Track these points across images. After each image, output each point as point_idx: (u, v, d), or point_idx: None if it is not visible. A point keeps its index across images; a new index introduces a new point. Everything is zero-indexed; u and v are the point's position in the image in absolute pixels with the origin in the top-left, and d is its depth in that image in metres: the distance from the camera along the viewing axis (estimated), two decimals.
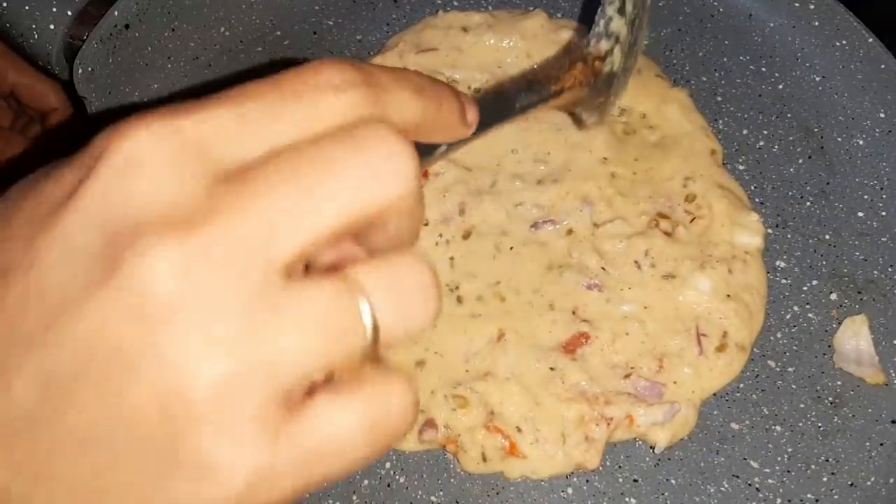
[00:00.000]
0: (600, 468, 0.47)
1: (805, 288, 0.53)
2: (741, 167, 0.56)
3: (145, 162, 0.20)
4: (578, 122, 0.52)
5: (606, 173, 0.53)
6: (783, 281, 0.53)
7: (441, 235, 0.52)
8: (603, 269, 0.51)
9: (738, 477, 0.48)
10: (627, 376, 0.48)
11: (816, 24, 0.59)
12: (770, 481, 0.48)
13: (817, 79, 0.59)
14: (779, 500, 0.47)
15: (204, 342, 0.19)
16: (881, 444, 0.49)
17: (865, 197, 0.56)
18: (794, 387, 0.50)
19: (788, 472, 0.48)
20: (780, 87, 0.59)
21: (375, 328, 0.21)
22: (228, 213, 0.20)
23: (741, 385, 0.50)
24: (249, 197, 0.20)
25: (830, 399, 0.50)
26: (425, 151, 0.29)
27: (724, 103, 0.58)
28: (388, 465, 0.47)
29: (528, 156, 0.54)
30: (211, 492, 0.19)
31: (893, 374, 0.50)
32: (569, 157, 0.54)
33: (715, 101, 0.58)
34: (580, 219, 0.52)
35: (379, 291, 0.21)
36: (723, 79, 0.59)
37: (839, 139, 0.57)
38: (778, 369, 0.51)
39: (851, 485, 0.48)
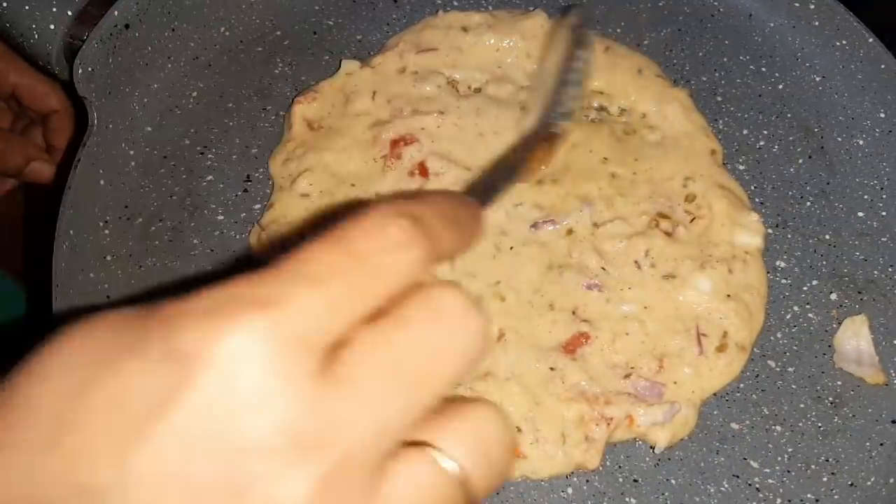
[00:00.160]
0: (600, 468, 0.47)
1: (805, 288, 0.53)
2: (741, 167, 0.56)
3: (247, 370, 0.20)
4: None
5: (606, 173, 0.53)
6: (783, 281, 0.53)
7: None
8: (603, 269, 0.51)
9: (738, 477, 0.48)
10: (627, 376, 0.48)
11: (816, 24, 0.59)
12: (770, 481, 0.48)
13: (817, 79, 0.59)
14: (779, 500, 0.47)
15: None
16: (881, 444, 0.49)
17: (865, 197, 0.56)
18: (794, 387, 0.50)
19: (788, 472, 0.48)
20: (780, 87, 0.59)
21: (466, 482, 0.22)
22: (341, 428, 0.20)
23: (741, 385, 0.50)
24: (356, 403, 0.21)
25: (830, 399, 0.50)
26: None
27: (724, 103, 0.58)
28: None
29: None
30: None
31: (893, 374, 0.50)
32: (569, 157, 0.54)
33: (715, 101, 0.58)
34: (580, 219, 0.52)
35: (466, 457, 0.22)
36: (723, 79, 0.59)
37: (839, 139, 0.57)
38: (778, 369, 0.51)
39: (851, 485, 0.48)
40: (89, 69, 0.53)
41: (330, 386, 0.20)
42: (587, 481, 0.47)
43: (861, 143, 0.57)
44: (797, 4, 0.60)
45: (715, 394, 0.49)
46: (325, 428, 0.20)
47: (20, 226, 0.71)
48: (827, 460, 0.48)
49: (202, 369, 0.20)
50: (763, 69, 0.60)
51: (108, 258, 0.52)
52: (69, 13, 0.54)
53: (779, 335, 0.52)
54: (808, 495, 0.47)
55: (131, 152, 0.55)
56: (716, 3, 0.62)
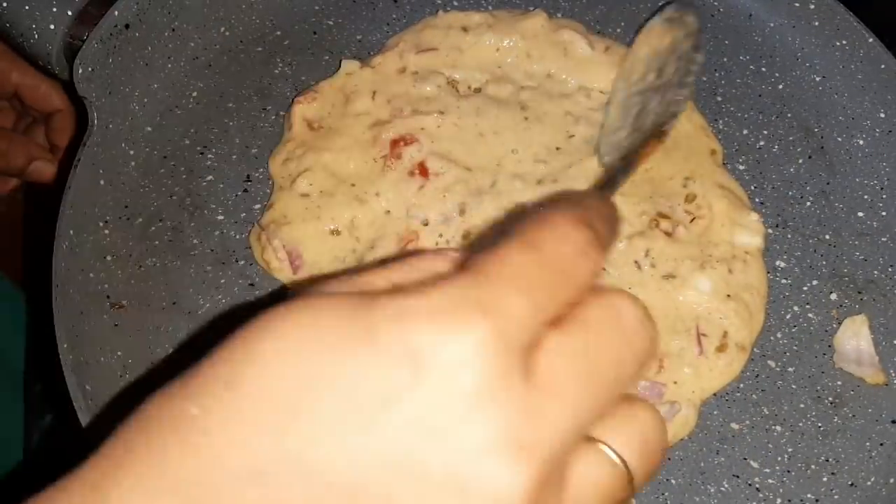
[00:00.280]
0: None
1: (805, 288, 0.53)
2: (741, 167, 0.56)
3: (472, 373, 0.21)
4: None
5: None
6: (783, 281, 0.53)
7: (441, 235, 0.52)
8: (603, 268, 0.51)
9: (738, 477, 0.48)
10: None
11: (816, 24, 0.59)
12: (770, 481, 0.48)
13: (817, 79, 0.59)
14: (779, 500, 0.47)
15: None
16: (881, 444, 0.49)
17: (865, 197, 0.56)
18: (794, 387, 0.50)
19: (788, 472, 0.48)
20: (780, 87, 0.59)
21: (630, 479, 0.24)
22: (549, 429, 0.22)
23: (741, 385, 0.50)
24: (560, 405, 0.22)
25: (830, 399, 0.50)
26: None
27: (724, 103, 0.58)
28: None
29: (528, 156, 0.54)
30: None
31: (893, 374, 0.50)
32: (569, 158, 0.54)
33: (715, 101, 0.58)
34: None
35: (632, 455, 0.25)
36: (723, 79, 0.59)
37: (839, 139, 0.57)
38: (778, 369, 0.51)
39: (851, 485, 0.48)
40: (89, 69, 0.53)
41: (536, 390, 0.22)
42: None
43: (861, 143, 0.57)
44: (797, 4, 0.60)
45: (715, 394, 0.49)
46: (537, 429, 0.22)
47: (20, 226, 0.71)
48: (827, 460, 0.48)
49: (433, 370, 0.21)
50: (763, 69, 0.60)
51: (108, 258, 0.52)
52: (69, 13, 0.54)
53: (779, 335, 0.52)
54: (808, 495, 0.47)
55: (131, 152, 0.55)
56: (716, 3, 0.62)
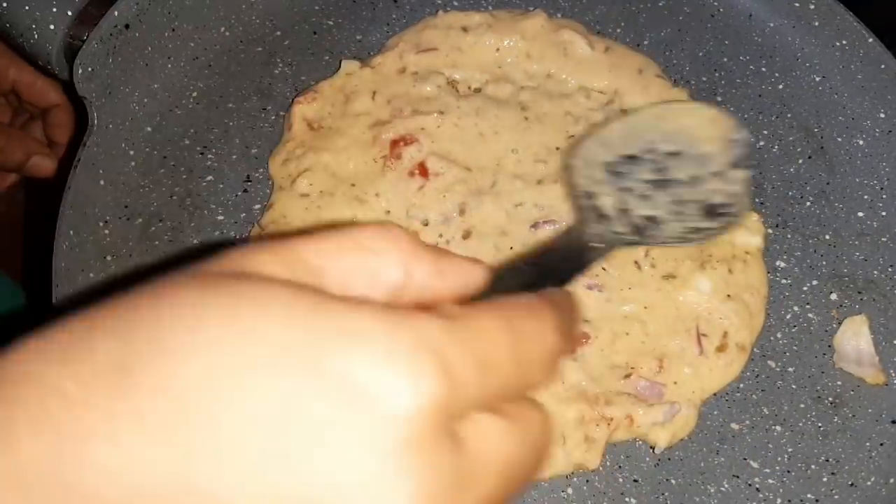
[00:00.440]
0: (600, 468, 0.47)
1: (805, 288, 0.53)
2: None
3: (414, 430, 0.20)
4: None
5: None
6: (783, 281, 0.53)
7: (441, 235, 0.52)
8: (603, 269, 0.51)
9: (738, 477, 0.48)
10: (627, 376, 0.48)
11: (816, 24, 0.59)
12: (770, 481, 0.48)
13: (817, 79, 0.59)
14: (779, 500, 0.47)
15: None
16: (881, 444, 0.49)
17: (865, 197, 0.56)
18: (794, 387, 0.50)
19: (788, 472, 0.48)
20: (780, 87, 0.59)
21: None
22: (472, 484, 0.21)
23: (741, 385, 0.50)
24: (484, 490, 0.22)
25: (830, 399, 0.50)
26: None
27: (724, 103, 0.58)
28: None
29: (528, 156, 0.54)
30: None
31: (893, 374, 0.50)
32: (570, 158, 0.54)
33: (715, 101, 0.58)
34: None
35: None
36: (723, 79, 0.59)
37: (839, 139, 0.57)
38: (778, 369, 0.51)
39: (851, 485, 0.48)
40: (89, 69, 0.53)
41: (465, 461, 0.21)
42: (587, 481, 0.47)
43: (861, 143, 0.57)
44: (797, 4, 0.60)
45: (715, 394, 0.49)
46: (463, 500, 0.21)
47: (20, 225, 0.71)
48: (827, 460, 0.48)
49: (372, 412, 0.19)
50: (763, 69, 0.60)
51: (108, 258, 0.52)
52: (69, 13, 0.54)
53: (779, 335, 0.52)
54: (808, 495, 0.47)
55: (131, 152, 0.55)
56: (716, 3, 0.62)
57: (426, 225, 0.52)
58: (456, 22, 0.58)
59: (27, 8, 0.54)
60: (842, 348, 0.51)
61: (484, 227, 0.52)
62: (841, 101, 0.59)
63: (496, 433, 0.22)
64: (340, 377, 0.19)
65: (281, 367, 0.19)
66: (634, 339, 0.49)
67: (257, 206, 0.54)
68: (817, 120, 0.58)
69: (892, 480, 0.48)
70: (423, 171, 0.53)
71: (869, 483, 0.48)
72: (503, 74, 0.57)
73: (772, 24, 0.61)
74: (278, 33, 0.60)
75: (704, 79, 0.59)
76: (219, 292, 0.20)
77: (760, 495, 0.47)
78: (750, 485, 0.47)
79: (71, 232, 0.50)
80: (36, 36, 0.54)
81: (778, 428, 0.49)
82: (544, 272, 0.25)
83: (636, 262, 0.51)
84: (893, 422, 0.49)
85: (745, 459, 0.48)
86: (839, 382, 0.50)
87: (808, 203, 0.55)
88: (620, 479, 0.47)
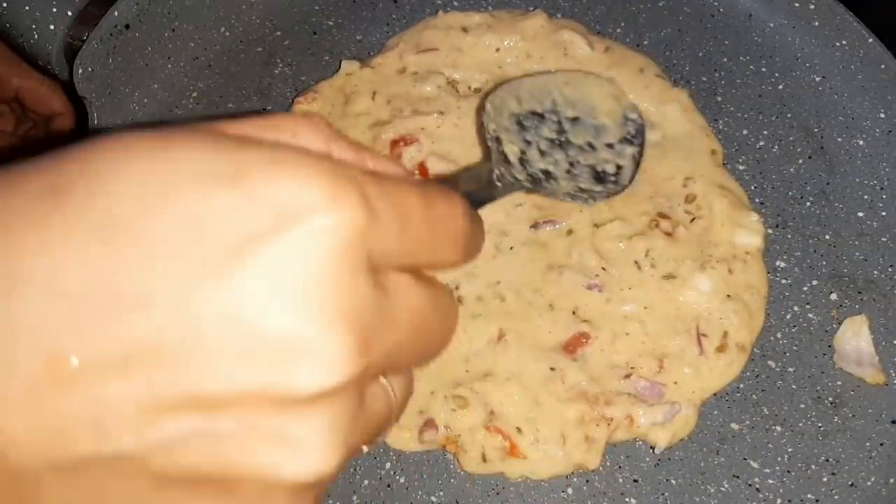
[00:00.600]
0: (600, 468, 0.47)
1: (805, 288, 0.53)
2: (741, 167, 0.56)
3: (338, 247, 0.21)
4: None
5: None
6: (783, 281, 0.53)
7: None
8: (603, 269, 0.51)
9: (738, 477, 0.48)
10: (628, 376, 0.48)
11: (816, 24, 0.59)
12: (770, 481, 0.48)
13: (817, 79, 0.59)
14: (779, 500, 0.47)
15: None
16: (881, 444, 0.49)
17: (865, 197, 0.56)
18: (794, 387, 0.50)
19: (788, 472, 0.48)
20: (780, 87, 0.59)
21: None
22: (382, 344, 0.22)
23: (741, 385, 0.50)
24: (395, 333, 0.23)
25: (830, 399, 0.50)
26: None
27: (724, 103, 0.58)
28: (388, 465, 0.47)
29: None
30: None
31: (893, 374, 0.50)
32: None
33: (715, 101, 0.58)
34: (580, 219, 0.52)
35: (401, 403, 0.26)
36: (723, 79, 0.59)
37: (839, 139, 0.57)
38: (778, 369, 0.51)
39: (851, 485, 0.48)
40: (89, 69, 0.53)
41: (385, 297, 0.22)
42: (587, 481, 0.47)
43: (861, 143, 0.57)
44: (797, 4, 0.60)
45: (715, 394, 0.49)
46: (376, 329, 0.22)
47: None
48: (827, 460, 0.48)
49: (296, 229, 0.20)
50: (763, 69, 0.60)
51: None
52: (69, 13, 0.54)
53: (779, 335, 0.52)
54: (808, 495, 0.47)
55: None
56: (716, 3, 0.62)
57: None
58: (456, 22, 0.58)
59: (27, 8, 0.54)
60: (842, 348, 0.51)
61: (484, 226, 0.51)
62: (841, 101, 0.59)
63: (411, 288, 0.24)
64: (265, 197, 0.20)
65: (207, 187, 0.20)
66: (634, 339, 0.49)
67: None
68: (817, 120, 0.58)
69: (892, 480, 0.48)
70: (423, 171, 0.53)
71: (869, 483, 0.48)
72: (503, 74, 0.57)
73: (772, 24, 0.61)
74: (278, 33, 0.60)
75: (704, 79, 0.59)
76: (150, 134, 0.21)
77: (760, 495, 0.47)
78: (750, 485, 0.47)
79: None
80: (36, 36, 0.54)
81: (778, 428, 0.49)
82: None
83: (636, 262, 0.51)
84: (893, 422, 0.49)
85: (745, 459, 0.48)
86: (839, 382, 0.50)
87: (808, 203, 0.55)
88: (620, 479, 0.47)
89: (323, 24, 0.61)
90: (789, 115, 0.58)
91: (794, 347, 0.51)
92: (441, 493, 0.47)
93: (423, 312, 0.24)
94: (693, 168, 0.54)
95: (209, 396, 0.20)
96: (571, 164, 0.44)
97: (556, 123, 0.45)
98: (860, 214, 0.55)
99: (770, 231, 0.54)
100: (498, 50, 0.58)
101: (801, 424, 0.49)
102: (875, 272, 0.53)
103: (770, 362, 0.51)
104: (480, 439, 0.47)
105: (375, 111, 0.55)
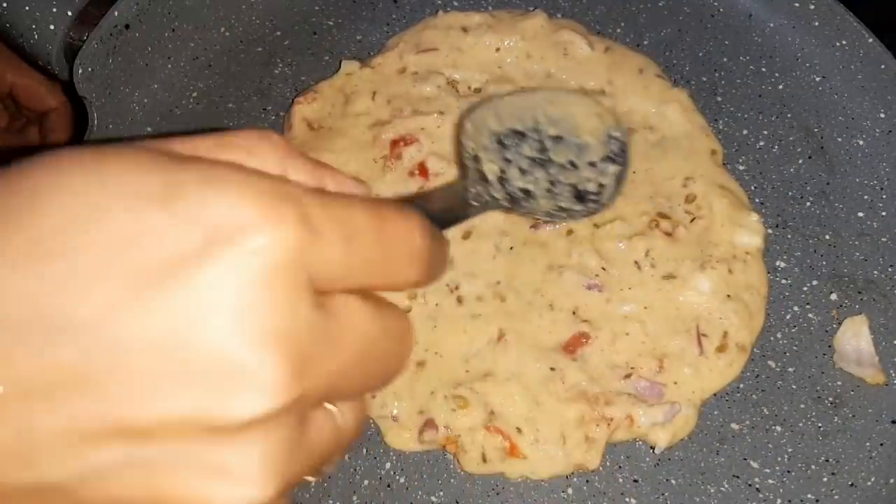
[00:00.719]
0: (600, 468, 0.47)
1: (805, 288, 0.53)
2: (741, 167, 0.56)
3: (272, 268, 0.20)
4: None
5: None
6: (783, 281, 0.53)
7: None
8: (603, 269, 0.51)
9: (738, 477, 0.48)
10: (628, 376, 0.48)
11: (816, 24, 0.59)
12: (770, 481, 0.48)
13: (817, 79, 0.59)
14: (779, 500, 0.47)
15: None
16: (881, 444, 0.49)
17: (865, 197, 0.56)
18: (794, 387, 0.50)
19: (788, 472, 0.48)
20: (780, 87, 0.59)
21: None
22: (319, 369, 0.21)
23: (741, 385, 0.50)
24: (339, 356, 0.22)
25: (830, 399, 0.50)
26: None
27: (724, 103, 0.58)
28: (388, 465, 0.47)
29: None
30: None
31: (893, 374, 0.50)
32: None
33: (715, 101, 0.58)
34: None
35: (351, 429, 0.25)
36: (723, 79, 0.59)
37: (839, 139, 0.57)
38: (778, 369, 0.51)
39: (851, 485, 0.48)
40: (89, 69, 0.53)
41: (329, 320, 0.22)
42: (587, 481, 0.47)
43: (861, 143, 0.57)
44: (797, 4, 0.60)
45: (715, 394, 0.49)
46: (316, 353, 0.21)
47: None
48: (827, 460, 0.48)
49: (227, 250, 0.19)
50: (763, 69, 0.60)
51: None
52: (69, 13, 0.54)
53: (779, 335, 0.52)
54: (808, 495, 0.47)
55: None
56: (716, 3, 0.62)
57: None
58: (456, 22, 0.58)
59: (27, 8, 0.54)
60: (842, 348, 0.51)
61: (484, 226, 0.52)
62: (841, 101, 0.59)
63: (359, 311, 0.23)
64: (197, 217, 0.20)
65: (137, 206, 0.20)
66: (634, 339, 0.49)
67: None
68: (817, 120, 0.58)
69: (892, 480, 0.48)
70: (423, 171, 0.53)
71: (869, 483, 0.48)
72: (503, 74, 0.57)
73: (772, 24, 0.61)
74: (278, 33, 0.60)
75: (704, 79, 0.59)
76: (85, 153, 0.21)
77: (760, 495, 0.47)
78: (750, 485, 0.47)
79: None
80: (36, 36, 0.54)
81: (778, 428, 0.49)
82: (424, 215, 0.26)
83: (636, 262, 0.51)
84: (893, 422, 0.49)
85: (745, 459, 0.48)
86: (839, 382, 0.50)
87: (808, 203, 0.55)
88: (620, 479, 0.47)
89: (323, 24, 0.61)
90: (789, 115, 0.58)
91: (794, 347, 0.51)
92: (441, 493, 0.47)
93: (370, 336, 0.23)
94: (693, 168, 0.54)
95: (137, 425, 0.19)
96: (552, 183, 0.44)
97: (538, 142, 0.44)
98: (860, 214, 0.55)
99: (770, 231, 0.54)
100: (498, 50, 0.58)
101: (801, 424, 0.49)
102: (875, 272, 0.53)
103: (770, 362, 0.51)
104: (480, 439, 0.47)
105: (375, 111, 0.55)
